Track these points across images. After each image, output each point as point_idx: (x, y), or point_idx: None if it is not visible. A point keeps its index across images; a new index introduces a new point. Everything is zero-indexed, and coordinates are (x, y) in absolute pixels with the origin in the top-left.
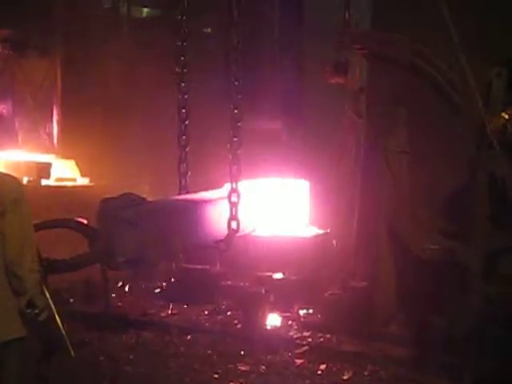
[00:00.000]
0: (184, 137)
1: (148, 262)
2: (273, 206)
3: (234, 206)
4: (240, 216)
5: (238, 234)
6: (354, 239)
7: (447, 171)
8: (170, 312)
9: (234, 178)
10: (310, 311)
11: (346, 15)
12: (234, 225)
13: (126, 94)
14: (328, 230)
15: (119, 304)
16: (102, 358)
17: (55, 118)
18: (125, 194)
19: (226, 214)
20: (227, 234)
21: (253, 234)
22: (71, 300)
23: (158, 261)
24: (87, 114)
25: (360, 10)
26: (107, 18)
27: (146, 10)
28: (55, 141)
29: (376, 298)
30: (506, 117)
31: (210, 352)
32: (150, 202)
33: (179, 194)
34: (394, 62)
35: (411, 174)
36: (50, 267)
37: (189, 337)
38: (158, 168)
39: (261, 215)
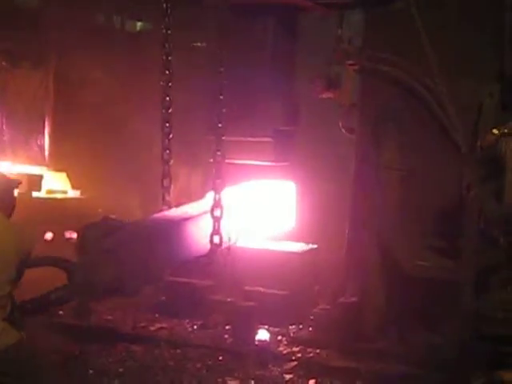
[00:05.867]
0: (167, 151)
1: (127, 290)
2: (260, 212)
3: (216, 220)
4: (223, 229)
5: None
6: (345, 254)
7: (438, 187)
8: (159, 326)
9: (217, 193)
10: (300, 326)
11: (339, 31)
12: (216, 239)
13: (119, 107)
14: (316, 246)
15: (109, 317)
16: (91, 371)
17: (47, 130)
18: (104, 219)
19: (209, 229)
20: (209, 249)
21: (241, 245)
22: (61, 312)
23: (138, 288)
24: (79, 127)
25: (352, 26)
26: (101, 31)
27: (139, 23)
28: (46, 153)
29: (365, 313)
30: (498, 134)
31: (199, 366)
32: (129, 225)
33: (162, 209)
34: (385, 79)
35: (402, 189)
36: (23, 310)
37: (178, 351)
38: (149, 180)
39: (247, 222)
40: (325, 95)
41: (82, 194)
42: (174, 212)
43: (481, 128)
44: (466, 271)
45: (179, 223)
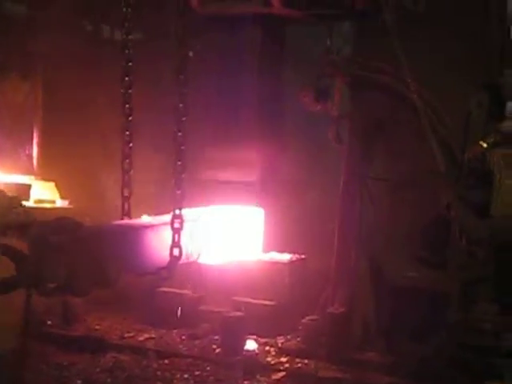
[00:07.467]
0: (127, 160)
1: (77, 290)
2: (228, 232)
3: (176, 232)
4: (184, 243)
5: (182, 261)
6: (333, 265)
7: (426, 198)
8: (147, 336)
9: (177, 204)
10: (288, 337)
11: (328, 42)
12: (176, 252)
13: (108, 117)
14: (304, 256)
15: (97, 327)
16: (79, 381)
17: (35, 139)
18: (59, 218)
19: (169, 240)
20: (169, 262)
21: (229, 257)
22: (49, 322)
23: (88, 288)
24: (68, 137)
25: (341, 36)
26: (90, 40)
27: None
28: (35, 162)
29: (354, 324)
30: (485, 145)
31: (186, 376)
32: (86, 227)
33: (122, 219)
34: (374, 87)
35: (391, 201)
36: None
37: (166, 361)
38: (139, 191)
39: (213, 240)
40: (314, 107)
41: (70, 203)
42: (136, 221)
43: (469, 139)
44: (452, 283)
45: (138, 230)
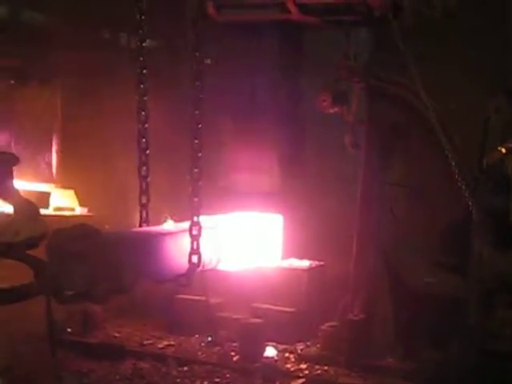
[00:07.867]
0: (144, 167)
1: (96, 297)
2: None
3: (195, 239)
4: (203, 250)
5: (201, 268)
6: (352, 271)
7: (444, 204)
8: (167, 343)
9: (195, 211)
10: (308, 343)
11: (346, 48)
12: (194, 259)
13: (126, 124)
14: (323, 263)
15: (117, 334)
16: None
17: (55, 147)
18: (78, 225)
19: (187, 247)
20: (188, 269)
21: (247, 266)
22: (69, 330)
23: (106, 295)
24: (87, 144)
25: (359, 42)
26: (107, 48)
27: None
28: (54, 170)
29: (373, 330)
30: (504, 151)
31: (206, 383)
32: (104, 234)
33: (140, 226)
34: (391, 98)
35: (408, 206)
36: None
37: (186, 368)
38: (157, 198)
39: (232, 247)
40: (331, 110)
41: (89, 211)
42: (154, 228)
43: (488, 144)
44: (472, 288)
45: (157, 237)
